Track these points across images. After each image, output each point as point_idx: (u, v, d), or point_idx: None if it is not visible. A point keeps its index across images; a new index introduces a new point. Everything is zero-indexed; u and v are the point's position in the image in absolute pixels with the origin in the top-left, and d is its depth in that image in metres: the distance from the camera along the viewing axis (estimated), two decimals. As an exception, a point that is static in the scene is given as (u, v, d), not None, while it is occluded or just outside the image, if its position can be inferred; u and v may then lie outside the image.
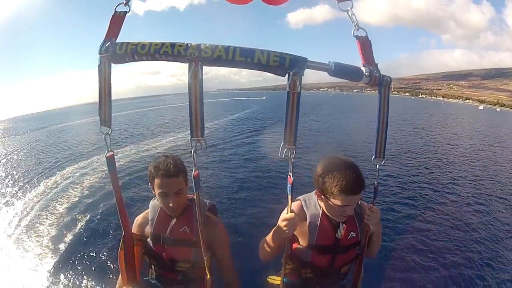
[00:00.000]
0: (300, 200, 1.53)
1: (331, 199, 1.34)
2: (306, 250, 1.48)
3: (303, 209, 1.48)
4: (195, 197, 1.41)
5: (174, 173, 1.46)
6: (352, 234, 1.46)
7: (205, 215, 1.54)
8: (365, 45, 1.25)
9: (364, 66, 1.23)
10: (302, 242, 1.49)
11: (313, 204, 1.48)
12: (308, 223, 1.45)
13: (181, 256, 1.60)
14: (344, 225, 1.45)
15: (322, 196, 1.39)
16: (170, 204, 1.49)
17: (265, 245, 1.50)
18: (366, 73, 1.21)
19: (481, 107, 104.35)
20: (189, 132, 1.19)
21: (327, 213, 1.44)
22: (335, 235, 1.45)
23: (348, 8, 1.25)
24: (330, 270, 1.52)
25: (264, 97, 78.10)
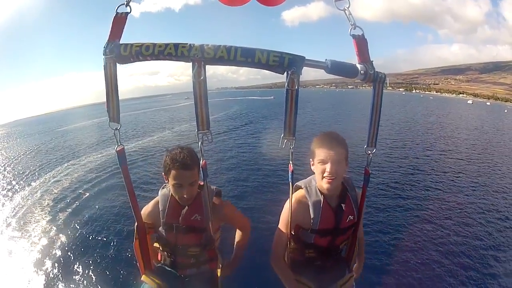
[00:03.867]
0: (301, 187, 1.62)
1: (313, 158, 1.52)
2: (309, 233, 1.58)
3: (305, 198, 1.57)
4: (203, 184, 1.54)
5: (190, 166, 1.52)
6: (349, 218, 1.58)
7: (212, 201, 1.64)
8: (361, 43, 1.30)
9: (360, 63, 1.28)
10: (305, 227, 1.59)
11: (314, 191, 1.58)
12: (311, 211, 1.55)
13: (192, 242, 1.68)
14: (344, 208, 1.57)
15: (312, 161, 1.54)
16: (184, 195, 1.56)
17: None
18: (362, 71, 1.26)
19: (469, 101, 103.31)
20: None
21: (318, 186, 1.56)
22: (336, 219, 1.56)
23: (345, 7, 1.29)
24: (331, 248, 1.66)
25: (272, 97, 71.53)
